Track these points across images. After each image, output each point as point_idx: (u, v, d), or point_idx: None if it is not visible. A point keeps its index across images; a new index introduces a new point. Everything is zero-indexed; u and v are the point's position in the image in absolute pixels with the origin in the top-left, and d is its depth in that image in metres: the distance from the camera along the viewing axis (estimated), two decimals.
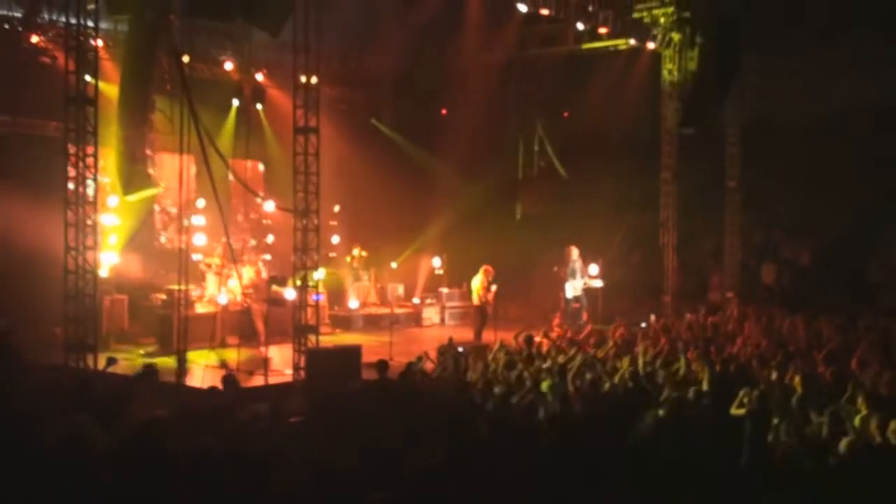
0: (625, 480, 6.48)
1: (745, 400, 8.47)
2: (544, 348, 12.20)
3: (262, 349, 13.23)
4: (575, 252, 17.29)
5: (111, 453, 5.25)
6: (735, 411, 8.43)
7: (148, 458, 5.12)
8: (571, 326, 15.55)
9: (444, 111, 20.92)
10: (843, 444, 6.90)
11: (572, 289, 17.20)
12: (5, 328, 12.29)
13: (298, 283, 12.57)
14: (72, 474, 4.84)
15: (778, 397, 8.56)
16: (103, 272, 14.17)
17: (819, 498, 6.04)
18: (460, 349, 12.31)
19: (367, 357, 12.05)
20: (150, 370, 10.13)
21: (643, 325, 13.67)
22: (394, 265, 20.09)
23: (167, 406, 7.85)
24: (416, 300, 19.28)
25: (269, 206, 16.89)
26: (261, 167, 19.36)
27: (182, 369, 11.85)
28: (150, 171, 13.67)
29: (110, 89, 13.91)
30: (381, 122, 21.78)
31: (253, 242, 17.56)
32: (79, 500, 4.80)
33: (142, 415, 6.28)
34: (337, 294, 18.68)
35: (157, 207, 17.63)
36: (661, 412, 8.18)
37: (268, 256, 17.32)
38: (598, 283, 17.56)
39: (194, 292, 14.88)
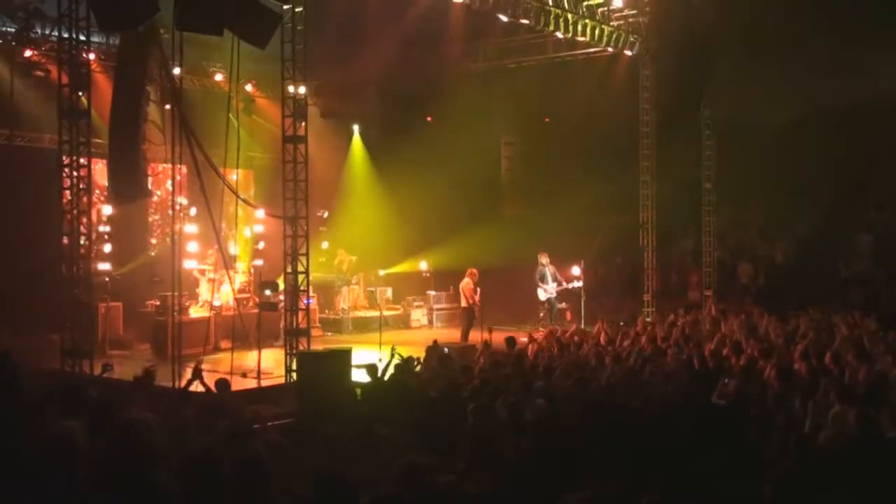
0: (612, 476, 6.36)
1: (724, 391, 8.70)
2: (531, 349, 12.47)
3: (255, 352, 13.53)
4: (545, 258, 17.78)
5: (94, 457, 5.05)
6: (714, 401, 8.65)
7: (131, 460, 4.89)
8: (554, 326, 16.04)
9: (428, 118, 21.27)
10: (822, 437, 7.00)
11: (544, 293, 17.69)
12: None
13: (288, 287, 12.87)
14: (54, 480, 4.70)
15: (755, 391, 8.75)
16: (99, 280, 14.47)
17: (799, 489, 6.02)
18: (446, 350, 12.64)
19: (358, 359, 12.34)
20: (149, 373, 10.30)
21: (622, 323, 14.06)
22: (382, 273, 20.51)
23: (162, 409, 8.06)
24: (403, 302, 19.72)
25: (260, 213, 17.26)
26: (243, 174, 19.61)
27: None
28: (143, 181, 13.95)
29: (103, 102, 14.23)
30: (365, 131, 22.20)
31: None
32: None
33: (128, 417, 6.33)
34: (327, 298, 19.06)
35: (150, 216, 17.95)
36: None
37: (260, 262, 17.66)
38: (578, 284, 17.96)
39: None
